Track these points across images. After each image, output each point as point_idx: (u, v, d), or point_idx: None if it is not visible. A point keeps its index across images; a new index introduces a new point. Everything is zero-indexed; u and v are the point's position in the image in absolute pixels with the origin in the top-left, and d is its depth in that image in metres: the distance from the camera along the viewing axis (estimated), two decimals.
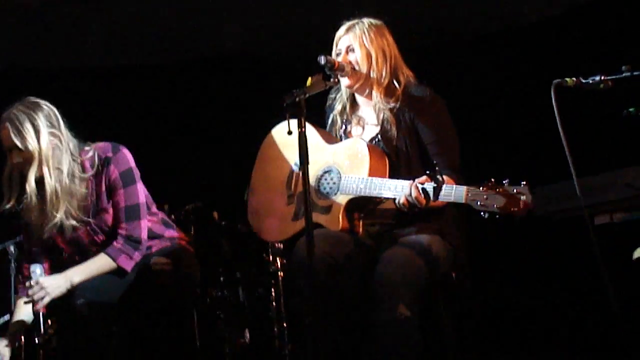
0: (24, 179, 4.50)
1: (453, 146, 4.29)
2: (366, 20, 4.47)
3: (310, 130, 4.43)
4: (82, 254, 4.66)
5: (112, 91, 7.34)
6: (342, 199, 4.26)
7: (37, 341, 4.67)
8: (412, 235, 4.21)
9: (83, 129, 4.91)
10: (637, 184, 5.03)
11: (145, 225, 4.66)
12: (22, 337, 4.82)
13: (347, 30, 4.45)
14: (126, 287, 4.57)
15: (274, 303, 5.90)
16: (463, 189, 3.77)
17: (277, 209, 4.59)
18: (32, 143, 4.44)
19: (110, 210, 4.64)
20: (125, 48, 7.70)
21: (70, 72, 7.58)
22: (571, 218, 5.10)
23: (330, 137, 4.56)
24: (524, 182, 3.69)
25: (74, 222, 4.59)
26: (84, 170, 4.61)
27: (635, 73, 3.96)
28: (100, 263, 4.55)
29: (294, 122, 3.92)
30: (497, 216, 3.69)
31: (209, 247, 5.80)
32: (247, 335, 5.97)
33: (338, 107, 4.60)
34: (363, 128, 4.50)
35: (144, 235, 4.64)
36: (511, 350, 6.33)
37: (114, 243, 4.58)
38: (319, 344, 4.01)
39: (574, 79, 3.98)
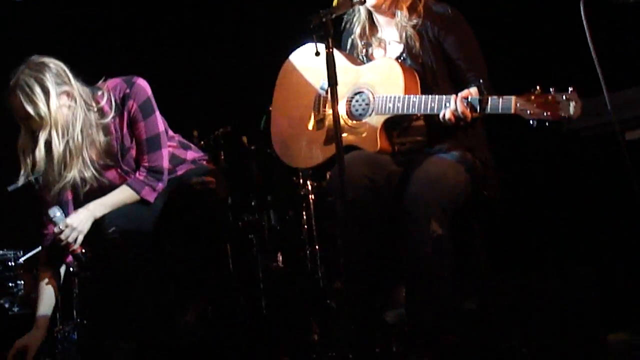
0: (35, 145, 4.42)
1: (480, 60, 4.27)
2: None
3: (336, 52, 4.41)
4: None
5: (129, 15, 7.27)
6: (377, 120, 4.25)
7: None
8: (443, 152, 4.20)
9: (101, 58, 4.88)
10: None
11: (166, 153, 4.66)
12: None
13: None
14: (158, 212, 4.59)
15: (305, 226, 5.93)
16: (511, 98, 3.77)
17: (307, 135, 4.57)
18: (43, 109, 4.35)
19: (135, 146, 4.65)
20: None
21: None
22: (602, 134, 5.08)
23: (355, 60, 4.54)
24: (572, 88, 3.67)
25: (94, 173, 4.56)
26: (103, 115, 4.58)
27: None
28: (123, 195, 4.57)
29: (321, 44, 3.91)
30: (547, 124, 3.68)
31: (239, 172, 5.82)
32: (280, 258, 6.01)
33: (357, 29, 4.57)
34: (385, 49, 4.48)
35: (166, 164, 4.64)
36: (541, 267, 6.35)
37: (137, 175, 4.60)
38: (353, 265, 4.04)
39: None
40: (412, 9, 4.37)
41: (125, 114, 4.60)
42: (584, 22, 3.84)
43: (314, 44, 4.09)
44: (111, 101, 4.59)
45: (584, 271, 4.93)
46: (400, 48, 4.40)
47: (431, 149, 4.26)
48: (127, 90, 4.59)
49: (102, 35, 6.17)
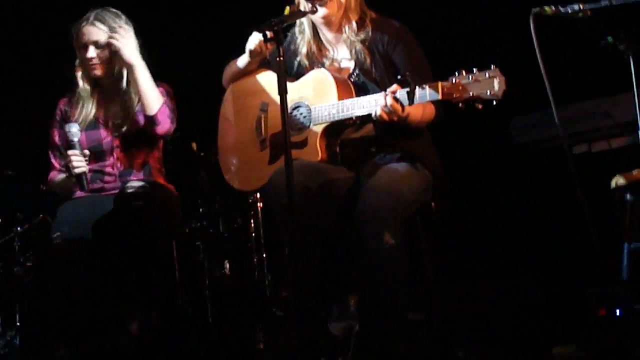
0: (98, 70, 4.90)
1: (428, 73, 4.27)
2: None
3: (270, 74, 4.44)
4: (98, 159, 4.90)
5: None
6: (316, 129, 4.27)
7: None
8: (394, 162, 4.21)
9: (62, 60, 4.92)
10: (615, 113, 5.06)
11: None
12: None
13: None
14: (103, 218, 4.61)
15: (253, 233, 5.92)
16: (437, 84, 3.79)
17: (252, 158, 4.58)
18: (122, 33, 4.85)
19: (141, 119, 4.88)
20: None
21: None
22: (550, 147, 5.13)
23: (291, 78, 4.52)
24: (494, 66, 3.70)
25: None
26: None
27: (614, 2, 3.95)
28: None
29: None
30: (475, 103, 3.71)
31: (187, 178, 5.79)
32: (227, 266, 5.99)
33: (303, 49, 4.55)
34: (339, 66, 4.48)
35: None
36: (489, 277, 6.38)
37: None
38: (298, 273, 4.03)
39: (553, 7, 3.96)
40: (360, 24, 4.38)
41: None
42: (533, 37, 3.88)
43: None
44: None
45: (530, 282, 4.97)
46: (351, 64, 4.41)
47: (382, 158, 4.26)
48: (163, 85, 5.00)
49: None
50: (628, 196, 4.57)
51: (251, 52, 4.47)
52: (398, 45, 4.31)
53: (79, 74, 4.99)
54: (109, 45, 4.85)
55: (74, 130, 4.74)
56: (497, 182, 6.48)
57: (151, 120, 4.81)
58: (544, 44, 3.87)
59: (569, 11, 3.94)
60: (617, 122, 5.04)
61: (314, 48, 4.51)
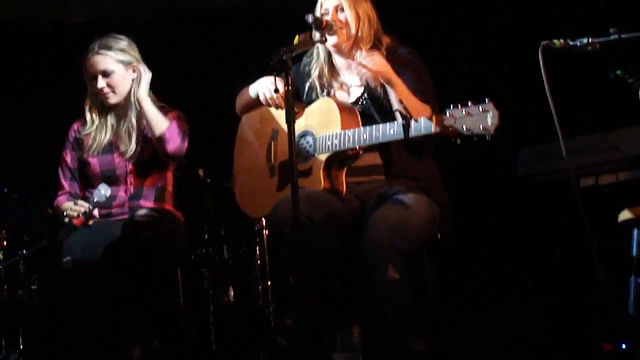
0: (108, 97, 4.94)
1: (432, 98, 4.26)
2: None
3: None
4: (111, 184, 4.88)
5: None
6: (321, 158, 4.28)
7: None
8: (399, 194, 4.20)
9: (74, 84, 4.96)
10: (623, 147, 5.05)
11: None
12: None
13: None
14: (111, 243, 4.62)
15: (258, 261, 5.90)
16: (431, 117, 3.79)
17: (262, 185, 4.62)
18: (132, 57, 4.96)
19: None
20: (114, 3, 7.64)
21: (57, 27, 7.52)
22: (556, 179, 5.12)
23: (300, 105, 4.54)
24: (488, 99, 3.68)
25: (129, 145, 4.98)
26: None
27: (622, 36, 3.95)
28: (162, 117, 4.91)
29: (279, 80, 3.93)
30: (469, 137, 3.69)
31: (194, 204, 5.78)
32: (231, 292, 5.97)
33: (315, 72, 4.57)
34: (348, 92, 4.49)
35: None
36: (494, 308, 6.36)
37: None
38: (303, 303, 4.02)
39: (562, 40, 3.97)
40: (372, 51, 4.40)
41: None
42: (542, 69, 3.88)
43: (273, 79, 4.16)
44: None
45: (535, 315, 4.95)
46: (360, 90, 4.42)
47: (388, 190, 4.25)
48: (176, 111, 5.08)
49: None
50: (635, 231, 4.56)
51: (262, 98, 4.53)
52: (406, 70, 4.31)
53: (87, 106, 5.02)
54: (127, 68, 4.94)
55: (102, 192, 4.71)
56: (503, 214, 6.46)
57: (160, 140, 4.85)
58: (552, 76, 3.87)
59: (578, 44, 3.95)
60: (624, 155, 5.03)
61: (325, 72, 4.53)
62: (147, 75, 4.96)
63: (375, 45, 4.43)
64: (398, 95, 4.14)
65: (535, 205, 6.17)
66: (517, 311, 5.07)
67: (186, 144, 4.98)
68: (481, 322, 5.00)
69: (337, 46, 4.39)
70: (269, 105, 4.54)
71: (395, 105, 4.19)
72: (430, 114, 4.03)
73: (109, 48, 4.91)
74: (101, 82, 4.89)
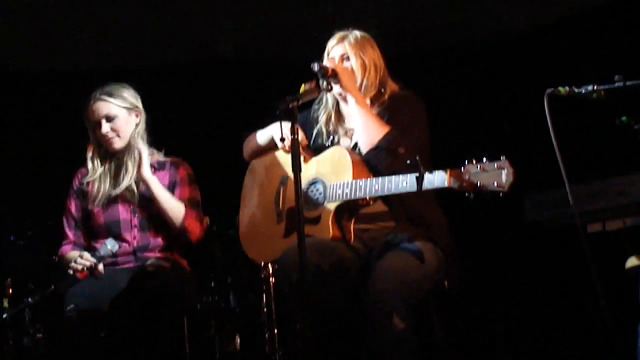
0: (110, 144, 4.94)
1: (418, 141, 4.23)
2: (357, 32, 4.51)
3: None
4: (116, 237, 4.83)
5: None
6: (330, 207, 4.25)
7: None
8: (405, 242, 4.19)
9: (76, 131, 4.97)
10: (630, 192, 5.04)
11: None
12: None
13: (341, 39, 4.47)
14: (117, 292, 4.60)
15: (265, 309, 5.88)
16: (445, 172, 3.77)
17: (268, 230, 4.59)
18: (133, 104, 4.97)
19: None
20: (118, 51, 7.70)
21: (62, 75, 7.57)
22: (563, 226, 5.11)
23: (310, 153, 4.54)
24: (504, 157, 3.68)
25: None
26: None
27: (627, 83, 3.96)
28: (174, 201, 4.91)
29: (286, 128, 3.94)
30: (482, 194, 3.68)
31: (200, 252, 5.78)
32: (238, 341, 5.95)
33: (323, 118, 4.58)
34: (351, 138, 4.50)
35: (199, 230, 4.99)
36: (501, 356, 6.33)
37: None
38: (309, 351, 4.00)
39: (567, 88, 3.98)
40: (377, 97, 4.42)
41: (168, 173, 5.04)
42: (547, 115, 3.89)
43: (279, 128, 4.17)
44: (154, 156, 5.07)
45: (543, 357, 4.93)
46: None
47: (394, 238, 4.24)
48: (177, 160, 5.11)
49: None
50: None
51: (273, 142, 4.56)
52: (400, 110, 4.33)
53: (90, 154, 5.01)
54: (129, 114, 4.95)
55: (109, 247, 4.68)
56: (510, 260, 6.46)
57: (181, 231, 4.89)
58: (558, 122, 3.88)
59: (583, 91, 3.96)
60: (631, 201, 5.02)
61: (332, 119, 4.54)
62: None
63: (379, 92, 4.45)
64: (356, 109, 4.22)
65: (542, 252, 6.17)
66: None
67: (204, 224, 5.08)
68: None
69: (342, 95, 4.40)
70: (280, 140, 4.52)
71: (352, 123, 4.31)
72: (386, 134, 4.13)
73: (111, 94, 4.91)
74: (105, 127, 4.88)
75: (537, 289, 6.32)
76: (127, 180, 4.92)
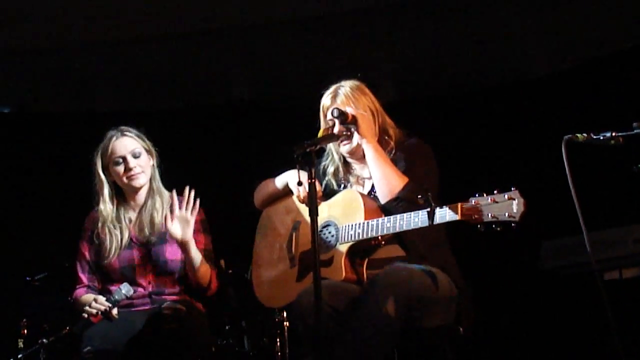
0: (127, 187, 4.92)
1: (431, 189, 4.22)
2: (346, 83, 4.49)
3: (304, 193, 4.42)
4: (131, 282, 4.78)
5: None
6: (342, 248, 4.25)
7: None
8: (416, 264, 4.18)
9: (92, 173, 4.98)
10: None
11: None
12: None
13: (333, 97, 4.45)
14: (133, 334, 4.59)
15: (279, 353, 5.86)
16: (457, 206, 3.77)
17: (281, 275, 4.59)
18: (150, 146, 4.96)
19: (176, 245, 4.83)
20: (134, 94, 7.76)
21: (80, 117, 7.62)
22: (580, 273, 5.09)
23: (322, 197, 4.54)
24: (514, 187, 3.67)
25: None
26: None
27: None
28: (205, 265, 4.87)
29: (303, 174, 3.94)
30: (494, 226, 3.67)
31: (215, 295, 5.78)
32: None
33: (331, 169, 4.59)
34: (363, 184, 4.50)
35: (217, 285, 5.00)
36: None
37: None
38: None
39: (585, 134, 3.96)
40: (382, 144, 4.40)
41: None
42: (565, 162, 3.87)
43: (296, 173, 4.18)
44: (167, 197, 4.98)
45: None
46: (371, 184, 4.43)
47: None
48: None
49: None
50: None
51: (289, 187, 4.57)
52: (415, 161, 4.33)
53: (106, 194, 4.93)
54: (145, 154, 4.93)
55: (123, 292, 4.63)
56: (525, 307, 6.43)
57: (204, 289, 4.89)
58: (575, 169, 3.86)
59: (601, 138, 3.94)
60: None
61: (340, 168, 4.55)
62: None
63: (383, 138, 4.45)
64: (374, 158, 4.23)
65: (558, 299, 6.13)
66: None
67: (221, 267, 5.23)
68: None
69: (352, 153, 4.43)
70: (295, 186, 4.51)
71: (369, 172, 4.31)
72: (405, 184, 4.13)
73: (133, 133, 4.94)
74: (133, 162, 4.86)
75: (552, 337, 6.28)
76: (157, 225, 4.89)
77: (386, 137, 4.46)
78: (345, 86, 4.48)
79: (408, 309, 3.96)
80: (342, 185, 4.55)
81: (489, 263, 6.46)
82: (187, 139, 7.47)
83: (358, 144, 4.38)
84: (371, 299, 3.94)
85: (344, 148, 4.41)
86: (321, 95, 4.52)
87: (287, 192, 4.65)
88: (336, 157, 4.58)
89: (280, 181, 4.66)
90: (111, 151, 4.88)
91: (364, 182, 4.50)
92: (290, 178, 4.57)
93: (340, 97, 4.44)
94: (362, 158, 4.45)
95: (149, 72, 7.51)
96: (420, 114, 4.54)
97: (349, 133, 4.30)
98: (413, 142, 4.46)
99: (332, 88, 4.50)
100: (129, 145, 4.89)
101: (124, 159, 4.86)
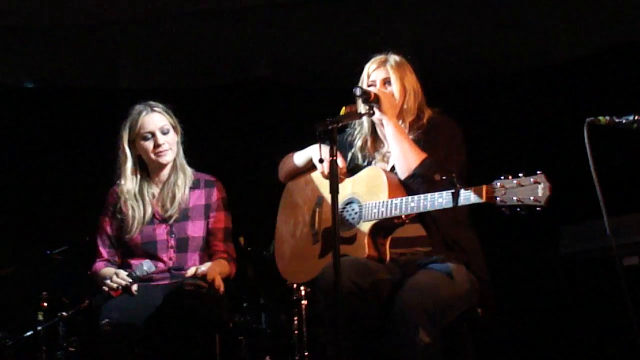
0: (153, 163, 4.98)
1: (455, 168, 4.20)
2: (396, 56, 4.52)
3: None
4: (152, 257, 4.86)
5: None
6: (365, 226, 4.26)
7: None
8: (437, 263, 4.18)
9: (114, 148, 4.99)
10: None
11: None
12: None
13: (382, 62, 4.48)
14: (154, 308, 4.61)
15: (296, 331, 5.87)
16: (481, 188, 3.76)
17: (304, 251, 4.61)
18: (176, 122, 5.01)
19: (197, 222, 4.95)
20: (158, 71, 7.75)
21: (103, 92, 7.63)
22: (599, 258, 5.08)
23: (346, 174, 4.53)
24: (540, 171, 3.65)
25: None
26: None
27: None
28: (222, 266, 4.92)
29: (325, 149, 3.94)
30: (519, 209, 3.65)
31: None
32: None
33: (358, 142, 4.59)
34: (387, 162, 4.49)
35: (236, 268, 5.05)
36: None
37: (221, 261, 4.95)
38: None
39: (607, 117, 3.94)
40: (416, 121, 4.42)
41: (204, 193, 5.04)
42: (587, 146, 3.85)
43: (317, 150, 4.18)
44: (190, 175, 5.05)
45: None
46: None
47: (426, 260, 4.23)
48: (213, 179, 5.08)
49: None
50: None
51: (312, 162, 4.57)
52: (438, 138, 4.34)
53: (129, 168, 4.98)
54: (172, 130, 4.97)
55: (145, 268, 4.70)
56: (544, 292, 6.42)
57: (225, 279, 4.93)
58: (597, 152, 3.84)
59: (624, 121, 3.92)
60: None
61: (368, 143, 4.55)
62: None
63: (418, 117, 4.45)
64: (393, 135, 4.23)
65: (577, 284, 6.12)
66: None
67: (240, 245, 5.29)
68: None
69: (380, 119, 4.41)
70: (318, 163, 4.52)
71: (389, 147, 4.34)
72: (422, 161, 4.14)
73: (162, 108, 4.96)
74: (162, 138, 4.90)
75: (571, 322, 6.27)
76: (177, 202, 4.94)
77: (420, 116, 4.46)
78: (395, 57, 4.50)
79: (438, 325, 3.99)
80: (367, 161, 4.54)
81: (509, 248, 6.45)
82: (209, 117, 7.47)
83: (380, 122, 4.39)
84: (403, 332, 3.94)
85: (377, 114, 4.38)
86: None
87: (308, 167, 4.66)
88: (366, 128, 4.57)
89: (300, 157, 4.67)
90: (140, 126, 4.90)
91: (388, 159, 4.50)
92: (313, 153, 4.57)
93: (390, 64, 4.47)
94: None
95: (172, 49, 7.50)
96: (442, 98, 4.50)
97: (371, 111, 4.30)
98: (440, 120, 4.46)
99: (382, 56, 4.51)
100: (158, 121, 4.93)
101: (153, 134, 4.89)
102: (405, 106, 4.42)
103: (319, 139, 3.96)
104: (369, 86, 4.44)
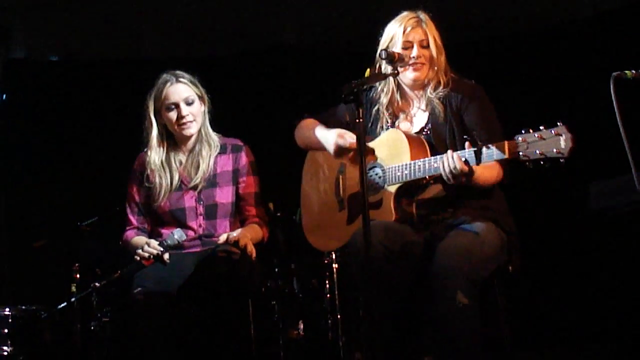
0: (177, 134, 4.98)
1: (498, 133, 4.20)
2: (427, 15, 4.45)
3: (349, 134, 4.41)
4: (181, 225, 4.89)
5: None
6: (391, 190, 4.27)
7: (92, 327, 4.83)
8: (466, 224, 4.18)
9: (140, 118, 5.00)
10: None
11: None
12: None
13: (418, 23, 4.40)
14: (186, 276, 4.64)
15: (328, 295, 5.90)
16: (504, 143, 3.75)
17: (331, 219, 4.63)
18: (203, 92, 5.01)
19: (226, 188, 4.98)
20: (183, 40, 7.76)
21: (128, 63, 7.66)
22: (629, 212, 5.05)
23: (368, 137, 4.52)
24: (560, 122, 3.64)
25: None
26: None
27: None
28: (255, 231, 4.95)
29: (351, 137, 3.95)
30: (542, 162, 3.64)
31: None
32: (301, 326, 5.97)
33: (384, 100, 4.54)
34: (411, 122, 4.48)
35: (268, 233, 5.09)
36: (564, 341, 6.29)
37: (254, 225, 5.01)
38: (373, 337, 4.01)
39: (634, 71, 3.91)
40: (440, 82, 4.39)
41: (231, 158, 5.05)
42: (614, 99, 3.83)
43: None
44: (217, 139, 5.08)
45: (607, 349, 4.88)
46: (424, 120, 4.41)
47: (455, 220, 4.23)
48: (241, 143, 5.08)
49: None
50: None
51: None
52: (471, 103, 4.31)
53: (155, 137, 4.99)
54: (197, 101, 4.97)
55: (176, 237, 4.69)
56: (575, 248, 6.41)
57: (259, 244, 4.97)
58: (625, 106, 3.82)
59: None
60: None
61: (394, 102, 4.52)
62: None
63: (441, 75, 4.42)
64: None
65: (607, 239, 6.11)
66: (587, 347, 5.00)
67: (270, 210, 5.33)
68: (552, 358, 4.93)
69: (417, 79, 4.38)
70: (339, 155, 4.46)
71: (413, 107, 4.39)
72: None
73: (187, 79, 4.95)
74: (185, 109, 4.90)
75: (602, 278, 6.27)
76: (201, 172, 4.95)
77: (444, 75, 4.43)
78: (429, 17, 4.44)
79: (475, 285, 4.01)
80: (390, 121, 4.52)
81: (537, 205, 6.44)
82: (236, 84, 7.48)
83: (425, 76, 4.38)
84: (441, 296, 3.96)
85: (410, 75, 4.39)
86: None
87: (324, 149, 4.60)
88: (392, 86, 4.53)
89: (319, 141, 4.60)
90: (164, 96, 4.91)
91: (412, 118, 4.49)
92: (329, 145, 4.48)
93: (427, 26, 4.40)
94: (419, 87, 4.44)
95: (196, 17, 7.50)
96: (468, 55, 4.50)
97: (396, 72, 4.28)
98: (471, 86, 4.43)
99: (411, 14, 4.44)
100: (183, 92, 4.92)
101: (177, 105, 4.89)
102: (436, 67, 4.40)
103: (344, 101, 3.95)
104: (404, 48, 4.38)
